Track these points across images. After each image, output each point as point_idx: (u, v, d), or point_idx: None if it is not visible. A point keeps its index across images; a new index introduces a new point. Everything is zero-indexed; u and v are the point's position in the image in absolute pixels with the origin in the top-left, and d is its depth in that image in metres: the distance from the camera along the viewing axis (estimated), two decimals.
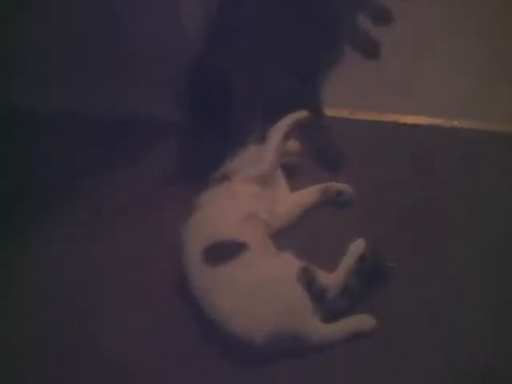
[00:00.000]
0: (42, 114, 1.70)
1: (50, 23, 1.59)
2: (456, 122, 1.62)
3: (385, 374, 1.21)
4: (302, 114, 1.47)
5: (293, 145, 1.50)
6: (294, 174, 1.51)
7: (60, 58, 1.66)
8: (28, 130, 1.71)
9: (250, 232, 1.31)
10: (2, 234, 1.49)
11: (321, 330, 1.22)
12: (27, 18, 1.60)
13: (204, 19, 1.64)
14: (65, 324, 1.33)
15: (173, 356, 1.26)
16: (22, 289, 1.41)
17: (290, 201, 1.45)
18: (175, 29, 1.54)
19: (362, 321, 1.24)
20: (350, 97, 1.70)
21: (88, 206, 1.54)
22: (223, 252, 1.26)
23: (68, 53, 1.65)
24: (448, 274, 1.34)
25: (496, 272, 1.35)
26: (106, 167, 1.60)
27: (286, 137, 1.45)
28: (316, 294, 1.25)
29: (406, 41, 1.84)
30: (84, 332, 1.31)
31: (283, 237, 1.39)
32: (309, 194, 1.46)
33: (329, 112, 1.63)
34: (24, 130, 1.71)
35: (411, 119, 1.64)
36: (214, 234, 1.29)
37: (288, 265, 1.28)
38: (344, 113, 1.66)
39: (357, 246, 1.34)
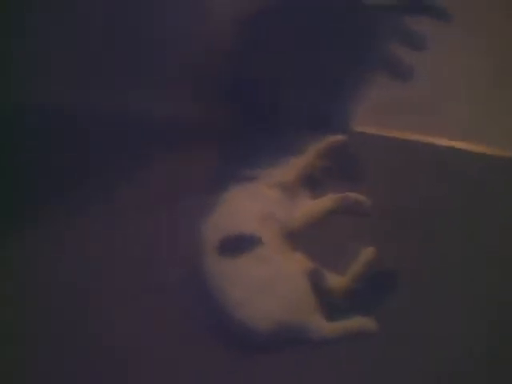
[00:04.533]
0: (44, 111, 1.74)
1: (54, 23, 1.66)
2: (480, 147, 1.66)
3: (384, 374, 1.25)
4: (341, 138, 1.56)
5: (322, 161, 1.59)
6: (317, 186, 1.58)
7: (68, 57, 1.71)
8: (29, 129, 1.74)
9: (267, 230, 1.38)
10: (2, 233, 1.52)
11: (322, 324, 1.28)
12: (28, 16, 1.65)
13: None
14: (74, 313, 1.38)
15: (178, 343, 1.31)
16: (22, 288, 1.46)
17: (307, 206, 1.53)
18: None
19: (363, 323, 1.29)
20: (375, 114, 1.76)
21: (100, 203, 1.58)
22: (239, 245, 1.33)
23: (73, 51, 1.70)
24: (455, 285, 1.38)
25: (498, 282, 1.38)
26: (118, 165, 1.67)
27: (320, 156, 1.56)
28: (322, 294, 1.31)
29: (436, 64, 1.87)
30: (96, 320, 1.37)
31: (298, 239, 1.45)
32: (326, 202, 1.53)
33: (353, 127, 1.71)
34: (25, 129, 1.74)
35: (432, 139, 1.70)
36: (232, 227, 1.37)
37: (299, 264, 1.34)
38: (367, 129, 1.73)
39: (367, 253, 1.39)
